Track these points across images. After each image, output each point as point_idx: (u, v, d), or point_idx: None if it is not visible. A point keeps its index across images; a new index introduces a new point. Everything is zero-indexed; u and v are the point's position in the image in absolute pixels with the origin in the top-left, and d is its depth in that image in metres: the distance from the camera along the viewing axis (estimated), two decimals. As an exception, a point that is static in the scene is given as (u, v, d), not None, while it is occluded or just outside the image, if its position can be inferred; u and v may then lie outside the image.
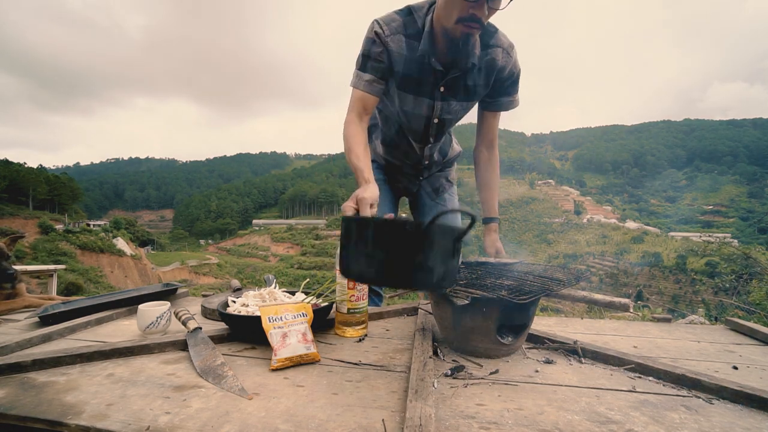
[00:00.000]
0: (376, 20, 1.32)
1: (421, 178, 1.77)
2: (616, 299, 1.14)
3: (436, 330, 1.22)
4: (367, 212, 1.05)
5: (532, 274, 1.15)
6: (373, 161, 1.78)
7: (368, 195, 1.08)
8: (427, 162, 1.66)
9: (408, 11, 1.33)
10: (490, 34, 1.35)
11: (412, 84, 1.39)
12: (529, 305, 0.97)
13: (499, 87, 1.44)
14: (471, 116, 1.61)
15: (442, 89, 1.40)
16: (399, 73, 1.37)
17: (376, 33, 1.31)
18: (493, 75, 1.40)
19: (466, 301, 0.93)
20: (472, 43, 1.29)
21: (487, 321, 0.95)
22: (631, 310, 1.11)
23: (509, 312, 0.95)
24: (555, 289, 0.99)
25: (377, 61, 1.33)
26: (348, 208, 1.06)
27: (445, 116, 1.49)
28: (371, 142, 1.67)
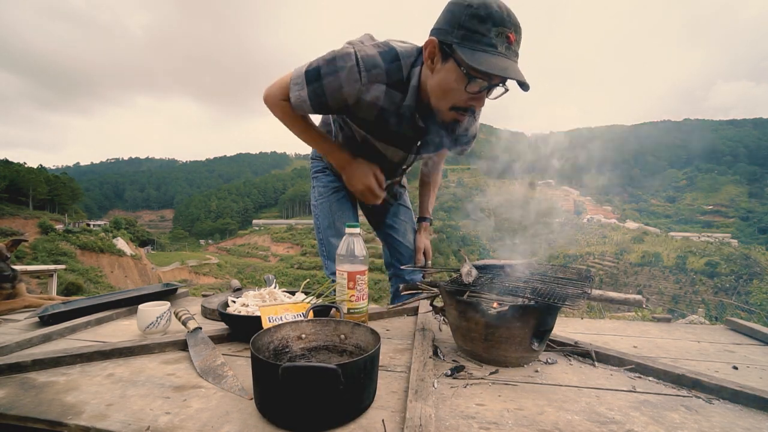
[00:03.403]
0: (356, 55, 1.10)
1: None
2: (630, 296, 1.15)
3: (436, 330, 1.22)
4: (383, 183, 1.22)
5: (547, 276, 1.14)
6: (328, 168, 1.69)
7: (381, 175, 1.22)
8: (391, 181, 1.58)
9: (394, 57, 1.14)
10: None
11: (388, 135, 1.30)
12: (557, 310, 0.95)
13: (459, 142, 1.45)
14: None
15: (419, 143, 1.37)
16: (370, 122, 1.25)
17: (352, 77, 1.10)
18: (461, 132, 1.40)
19: (505, 309, 0.89)
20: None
21: (524, 328, 0.91)
22: (644, 306, 1.11)
23: (544, 318, 0.93)
24: (587, 291, 0.98)
25: (334, 99, 1.14)
26: (375, 190, 1.21)
27: (416, 162, 1.54)
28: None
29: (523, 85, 0.98)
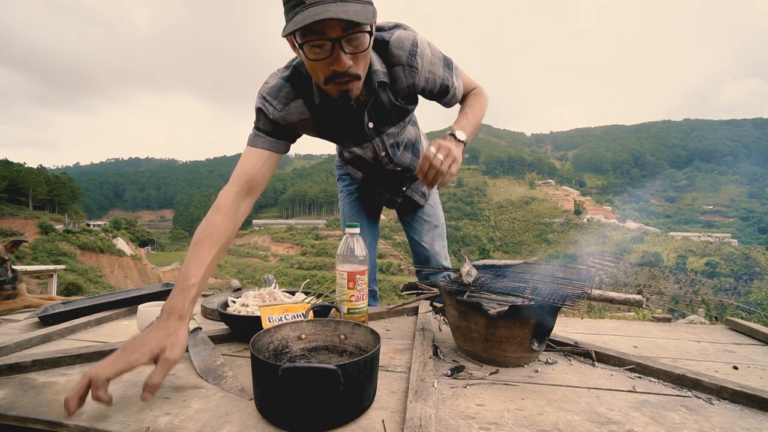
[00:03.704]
0: (262, 95, 1.13)
1: (404, 188, 1.67)
2: (630, 296, 1.15)
3: (436, 330, 1.22)
4: (160, 379, 0.73)
5: (547, 276, 1.14)
6: (347, 175, 1.77)
7: (179, 353, 0.77)
8: (399, 169, 1.50)
9: (293, 71, 1.14)
10: (383, 47, 1.12)
11: (338, 136, 1.29)
12: (557, 310, 0.95)
13: (430, 97, 1.26)
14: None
15: (370, 125, 1.23)
16: (317, 134, 1.25)
17: (269, 111, 1.12)
18: (408, 93, 1.20)
19: (505, 309, 0.89)
20: (356, 93, 1.05)
21: (524, 329, 0.91)
22: (644, 306, 1.11)
23: (544, 318, 0.93)
24: (588, 291, 0.98)
25: (277, 127, 1.15)
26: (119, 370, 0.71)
27: (390, 145, 1.35)
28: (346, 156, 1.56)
29: (351, 22, 0.86)
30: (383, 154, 1.35)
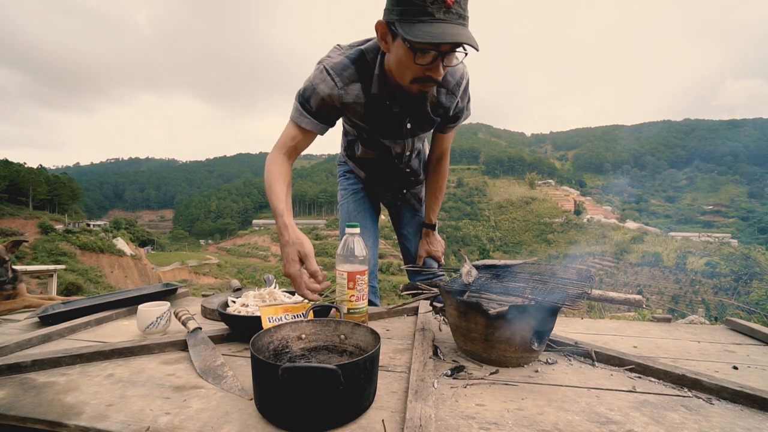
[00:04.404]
0: (325, 68, 1.21)
1: (404, 190, 1.78)
2: (630, 296, 1.15)
3: (436, 330, 1.22)
4: (315, 266, 1.06)
5: (547, 276, 1.14)
6: (350, 172, 1.80)
7: (309, 248, 1.07)
8: (408, 170, 1.64)
9: (359, 54, 1.22)
10: None
11: (378, 127, 1.37)
12: (557, 310, 0.95)
13: (442, 118, 1.42)
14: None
15: (408, 125, 1.38)
16: (361, 120, 1.32)
17: (328, 85, 1.20)
18: (441, 112, 1.38)
19: (505, 309, 0.89)
20: (430, 96, 1.28)
21: (524, 328, 0.91)
22: (644, 306, 1.11)
23: (544, 318, 0.93)
24: (588, 291, 0.98)
25: (325, 107, 1.24)
26: (299, 275, 1.05)
27: (416, 146, 1.53)
28: (355, 153, 1.63)
29: (472, 47, 0.99)
30: (407, 153, 1.51)
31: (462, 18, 0.99)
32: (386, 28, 1.06)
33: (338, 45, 1.29)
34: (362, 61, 1.22)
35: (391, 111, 1.30)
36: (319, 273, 1.07)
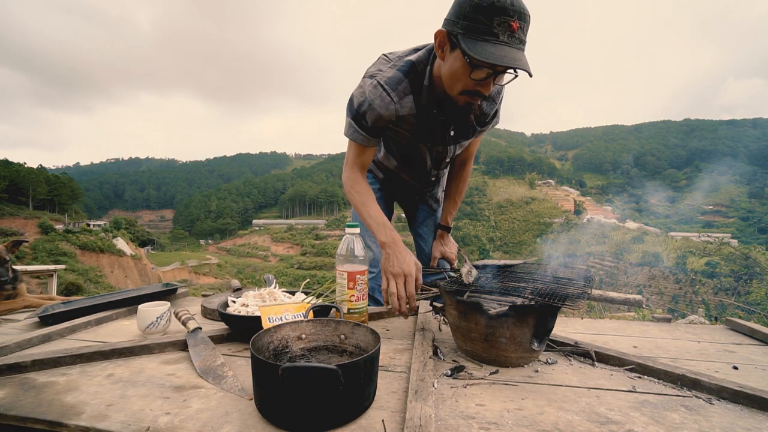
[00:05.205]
0: (380, 83, 1.22)
1: (425, 191, 1.79)
2: (630, 296, 1.15)
3: (436, 330, 1.22)
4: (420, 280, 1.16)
5: (547, 276, 1.14)
6: (369, 171, 1.80)
7: (416, 266, 1.15)
8: (433, 178, 1.68)
9: (411, 67, 1.25)
10: None
11: (425, 135, 1.39)
12: (557, 310, 0.95)
13: (477, 121, 1.47)
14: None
15: (452, 133, 1.41)
16: (412, 130, 1.35)
17: (385, 101, 1.23)
18: (481, 120, 1.43)
19: (505, 309, 0.89)
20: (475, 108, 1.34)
21: (524, 328, 0.91)
22: (644, 306, 1.12)
23: (544, 318, 0.93)
24: (588, 291, 0.99)
25: (381, 122, 1.27)
26: (412, 278, 1.13)
27: (457, 153, 1.55)
28: (377, 155, 1.66)
29: (526, 72, 1.03)
30: (447, 160, 1.54)
31: (522, 43, 1.02)
32: (446, 37, 1.08)
33: (385, 55, 1.31)
34: (414, 74, 1.25)
35: (437, 119, 1.33)
36: (414, 296, 1.15)
